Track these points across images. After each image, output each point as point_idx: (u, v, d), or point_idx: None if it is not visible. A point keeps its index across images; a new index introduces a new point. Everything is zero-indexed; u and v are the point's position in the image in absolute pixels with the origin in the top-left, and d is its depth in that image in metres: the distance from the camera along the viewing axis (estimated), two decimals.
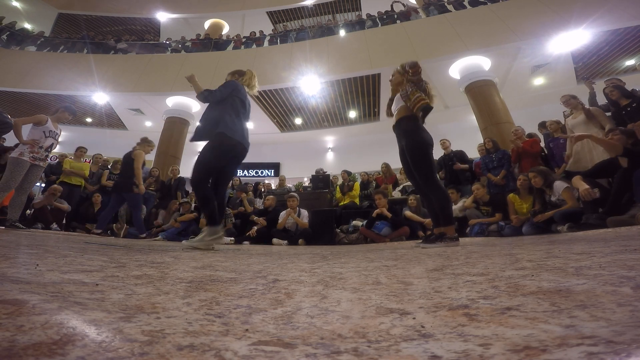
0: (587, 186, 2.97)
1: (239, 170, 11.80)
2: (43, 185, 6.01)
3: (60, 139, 4.14)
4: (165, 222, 5.31)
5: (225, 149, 2.38)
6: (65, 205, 5.05)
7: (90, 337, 0.34)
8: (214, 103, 2.50)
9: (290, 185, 7.55)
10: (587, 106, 4.01)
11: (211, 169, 2.39)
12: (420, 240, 2.72)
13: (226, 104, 2.47)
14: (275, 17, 13.07)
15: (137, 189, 4.28)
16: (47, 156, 3.76)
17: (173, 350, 0.32)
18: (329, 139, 11.61)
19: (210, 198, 2.34)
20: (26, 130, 3.73)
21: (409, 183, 5.55)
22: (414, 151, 2.45)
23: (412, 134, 2.46)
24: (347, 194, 5.79)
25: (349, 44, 8.55)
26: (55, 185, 5.09)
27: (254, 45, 9.70)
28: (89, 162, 6.17)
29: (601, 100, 4.45)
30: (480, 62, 7.45)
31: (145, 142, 4.57)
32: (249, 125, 9.48)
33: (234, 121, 2.42)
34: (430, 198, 2.52)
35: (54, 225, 4.89)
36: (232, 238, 4.70)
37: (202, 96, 2.48)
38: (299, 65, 8.19)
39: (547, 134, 4.73)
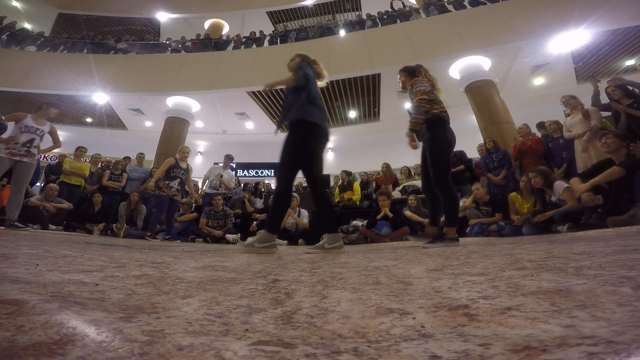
0: (584, 189, 2.97)
1: (238, 171, 11.82)
2: (42, 185, 6.01)
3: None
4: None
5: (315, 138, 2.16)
6: (66, 204, 5.04)
7: (90, 337, 0.34)
8: (301, 87, 2.20)
9: None
10: (590, 104, 4.04)
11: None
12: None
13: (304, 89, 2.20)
14: (275, 17, 13.06)
15: (158, 190, 4.45)
16: (27, 151, 3.67)
17: (173, 350, 0.32)
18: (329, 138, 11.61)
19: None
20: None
21: (409, 183, 5.55)
22: (434, 146, 2.42)
23: (436, 130, 2.43)
24: (347, 194, 5.80)
25: (349, 44, 8.55)
26: (52, 185, 5.09)
27: (254, 45, 9.70)
28: (89, 162, 6.17)
29: (605, 99, 4.44)
30: (480, 62, 7.45)
31: (178, 151, 4.82)
32: (249, 125, 9.47)
33: (313, 106, 2.18)
34: (434, 198, 2.53)
35: (52, 227, 4.88)
36: (239, 234, 4.74)
37: (298, 81, 2.18)
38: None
39: (546, 134, 4.72)
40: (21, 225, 3.62)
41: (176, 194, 4.57)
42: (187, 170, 4.71)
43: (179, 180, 4.58)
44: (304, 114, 2.12)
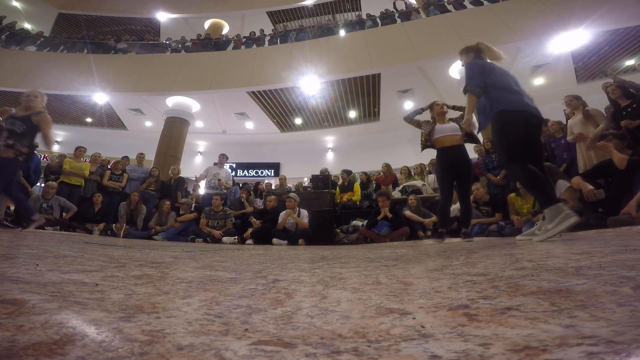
0: (591, 187, 2.96)
1: (238, 170, 11.83)
2: (42, 185, 6.00)
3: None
4: (159, 223, 5.25)
5: (513, 123, 2.10)
6: (71, 211, 5.11)
7: (90, 336, 0.34)
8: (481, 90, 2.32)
9: (291, 185, 7.55)
10: (592, 104, 4.02)
11: (516, 145, 2.08)
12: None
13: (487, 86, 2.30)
14: (275, 17, 13.06)
15: None
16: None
17: (173, 350, 0.32)
18: (329, 139, 11.61)
19: (535, 173, 1.98)
20: None
21: (409, 183, 5.55)
22: (471, 169, 3.14)
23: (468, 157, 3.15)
24: (347, 195, 5.80)
25: (349, 44, 8.55)
26: (50, 182, 5.10)
27: (254, 45, 9.70)
28: (89, 161, 6.17)
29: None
30: None
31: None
32: (249, 125, 9.42)
33: (504, 95, 2.19)
34: (447, 204, 3.15)
35: (49, 228, 4.86)
36: (237, 237, 4.72)
37: (469, 91, 2.39)
38: (299, 65, 8.18)
39: (548, 134, 4.71)
40: (6, 223, 3.67)
41: (4, 151, 3.14)
42: (38, 120, 3.39)
43: (7, 133, 3.23)
44: (497, 105, 2.17)
